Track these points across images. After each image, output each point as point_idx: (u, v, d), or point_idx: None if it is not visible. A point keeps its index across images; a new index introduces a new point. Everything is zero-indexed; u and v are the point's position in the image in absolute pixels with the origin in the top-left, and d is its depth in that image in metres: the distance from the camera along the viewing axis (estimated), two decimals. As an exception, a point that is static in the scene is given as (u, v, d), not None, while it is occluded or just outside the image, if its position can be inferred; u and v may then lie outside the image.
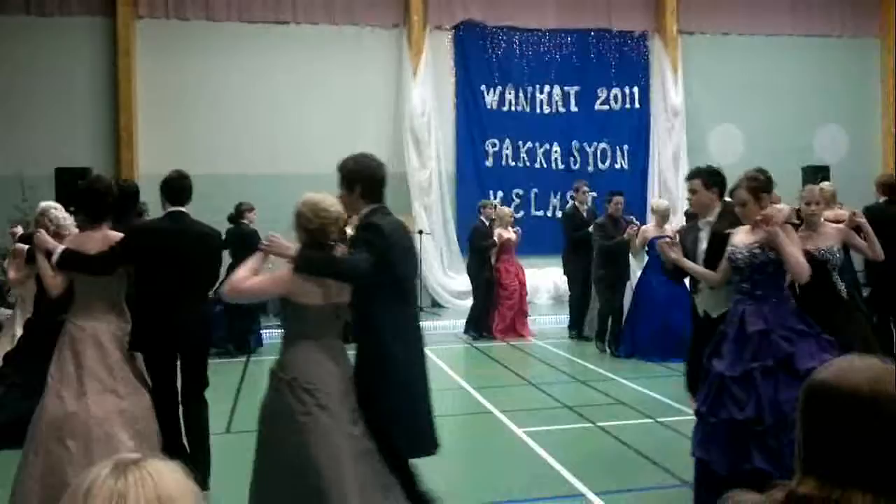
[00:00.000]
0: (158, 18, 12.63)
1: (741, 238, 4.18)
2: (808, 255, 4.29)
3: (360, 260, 3.46)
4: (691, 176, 4.84)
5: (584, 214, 9.94)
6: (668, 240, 4.80)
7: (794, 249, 3.99)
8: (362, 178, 3.69)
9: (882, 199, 7.17)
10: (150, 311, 4.50)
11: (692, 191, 4.73)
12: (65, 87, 12.26)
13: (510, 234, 10.33)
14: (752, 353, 3.88)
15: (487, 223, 10.29)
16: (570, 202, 11.17)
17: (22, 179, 11.13)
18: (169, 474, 1.23)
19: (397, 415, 3.52)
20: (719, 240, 4.40)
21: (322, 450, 3.29)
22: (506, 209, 10.87)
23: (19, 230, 6.56)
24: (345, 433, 3.37)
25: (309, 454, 3.28)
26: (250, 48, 12.77)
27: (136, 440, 4.22)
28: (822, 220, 4.95)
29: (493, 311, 10.31)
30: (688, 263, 4.55)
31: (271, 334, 10.05)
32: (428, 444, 3.66)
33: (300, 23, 13.08)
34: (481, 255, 10.19)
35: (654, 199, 11.35)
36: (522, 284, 10.50)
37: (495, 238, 10.13)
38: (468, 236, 10.53)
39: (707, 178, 4.69)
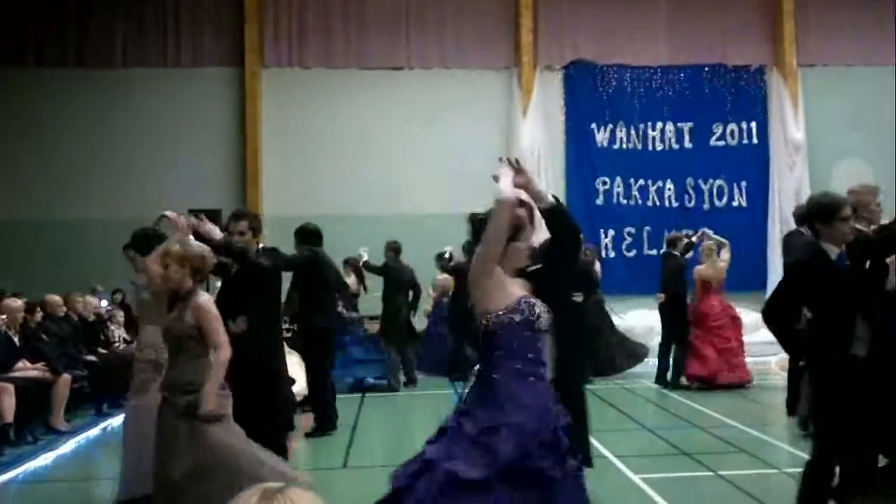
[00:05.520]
0: (283, 67, 13.36)
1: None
2: None
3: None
4: None
5: None
6: None
7: None
8: None
9: None
10: None
11: None
12: (197, 133, 13.11)
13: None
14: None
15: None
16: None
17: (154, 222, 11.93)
18: (310, 501, 1.33)
19: None
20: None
21: None
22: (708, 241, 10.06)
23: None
24: None
25: None
26: (367, 93, 13.29)
27: None
28: None
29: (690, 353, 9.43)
30: None
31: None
32: None
33: (413, 68, 13.51)
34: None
35: None
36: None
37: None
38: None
39: None
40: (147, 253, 4.98)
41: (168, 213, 4.92)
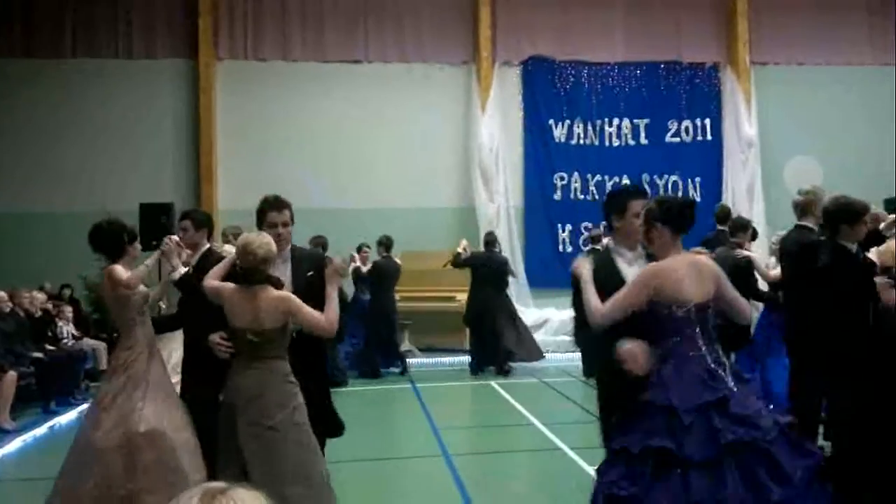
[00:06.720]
0: (238, 60, 13.15)
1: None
2: None
3: None
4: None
5: None
6: None
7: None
8: None
9: None
10: None
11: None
12: (149, 125, 12.84)
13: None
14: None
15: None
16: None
17: (107, 214, 11.63)
18: (252, 502, 1.28)
19: None
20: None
21: None
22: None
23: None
24: None
25: None
26: (324, 86, 13.15)
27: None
28: None
29: None
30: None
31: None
32: None
33: (372, 61, 13.42)
34: None
35: None
36: None
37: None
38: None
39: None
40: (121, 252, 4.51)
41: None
